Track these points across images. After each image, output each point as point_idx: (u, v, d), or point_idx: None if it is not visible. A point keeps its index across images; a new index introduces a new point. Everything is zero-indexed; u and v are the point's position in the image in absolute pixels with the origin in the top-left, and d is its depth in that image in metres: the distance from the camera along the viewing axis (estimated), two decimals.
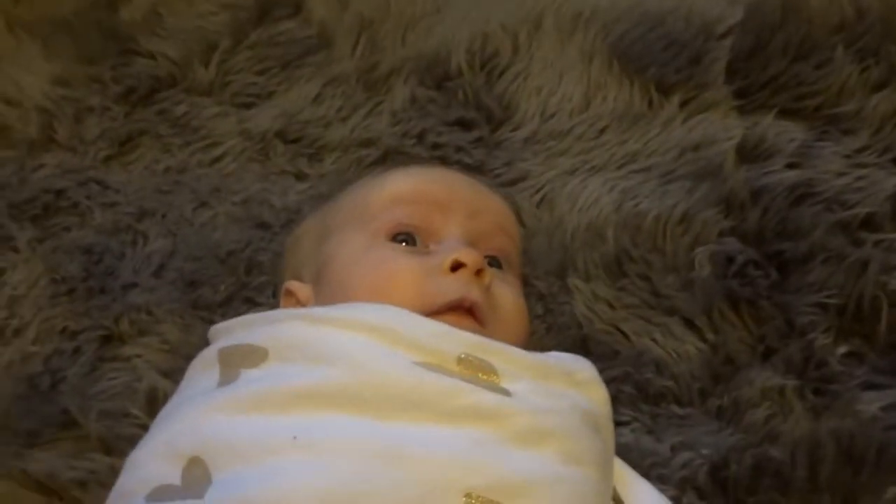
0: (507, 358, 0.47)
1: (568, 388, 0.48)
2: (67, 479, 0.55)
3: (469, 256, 0.51)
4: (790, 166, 0.72)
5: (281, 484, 0.40)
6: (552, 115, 0.82)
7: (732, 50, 0.82)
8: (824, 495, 0.51)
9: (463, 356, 0.46)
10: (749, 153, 0.74)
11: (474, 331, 0.49)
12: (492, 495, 0.40)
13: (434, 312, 0.49)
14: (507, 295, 0.54)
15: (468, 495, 0.40)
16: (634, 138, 0.78)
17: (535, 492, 0.42)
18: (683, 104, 0.80)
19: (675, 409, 0.56)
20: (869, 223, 0.67)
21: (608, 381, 0.57)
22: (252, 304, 0.67)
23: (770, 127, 0.76)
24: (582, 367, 0.50)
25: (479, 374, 0.46)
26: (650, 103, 0.81)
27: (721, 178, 0.72)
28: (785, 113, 0.77)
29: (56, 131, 0.84)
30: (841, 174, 0.71)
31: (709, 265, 0.65)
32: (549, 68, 0.85)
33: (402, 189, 0.57)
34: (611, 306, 0.64)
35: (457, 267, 0.51)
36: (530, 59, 0.86)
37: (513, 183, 0.76)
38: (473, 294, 0.51)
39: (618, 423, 0.56)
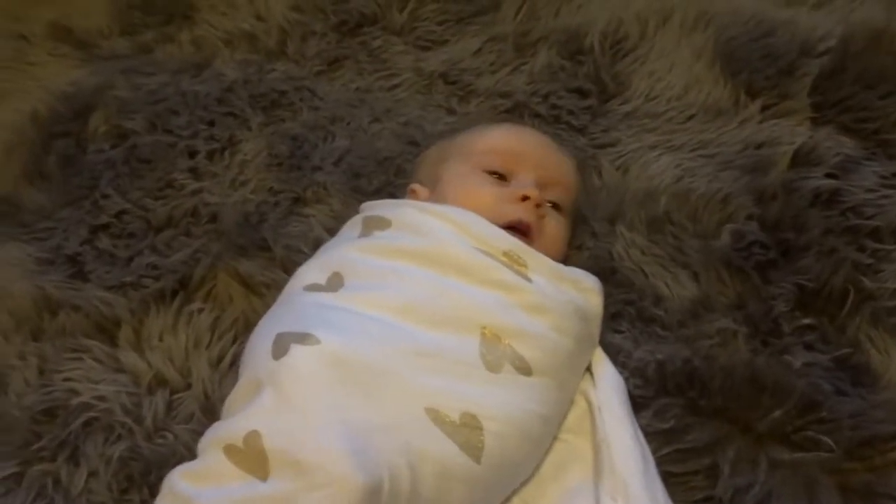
0: (537, 260, 0.72)
1: (572, 290, 0.72)
2: (259, 281, 0.86)
3: (533, 193, 0.76)
4: (829, 175, 0.88)
5: (381, 291, 0.68)
6: (654, 98, 1.01)
7: (821, 68, 0.97)
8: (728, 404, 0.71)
9: (508, 251, 0.71)
10: (802, 158, 0.91)
11: (524, 241, 0.73)
12: (498, 332, 0.66)
13: (501, 225, 0.74)
14: (554, 226, 0.78)
15: (484, 328, 0.66)
16: (712, 129, 0.96)
17: (526, 339, 0.66)
18: (765, 108, 0.97)
19: (658, 331, 0.78)
20: (875, 234, 0.83)
21: (620, 302, 0.81)
22: (393, 196, 0.94)
23: (827, 139, 0.91)
24: (589, 281, 0.74)
25: (515, 265, 0.71)
26: (736, 102, 0.98)
27: (766, 174, 0.89)
28: (846, 130, 0.93)
29: (287, 46, 1.15)
30: (870, 190, 0.86)
31: (729, 238, 0.84)
32: (664, 58, 1.04)
33: (494, 142, 0.82)
34: (643, 253, 0.85)
35: (525, 199, 0.76)
36: (651, 47, 1.06)
37: (603, 146, 0.97)
38: (530, 218, 0.75)
39: (616, 331, 0.79)
